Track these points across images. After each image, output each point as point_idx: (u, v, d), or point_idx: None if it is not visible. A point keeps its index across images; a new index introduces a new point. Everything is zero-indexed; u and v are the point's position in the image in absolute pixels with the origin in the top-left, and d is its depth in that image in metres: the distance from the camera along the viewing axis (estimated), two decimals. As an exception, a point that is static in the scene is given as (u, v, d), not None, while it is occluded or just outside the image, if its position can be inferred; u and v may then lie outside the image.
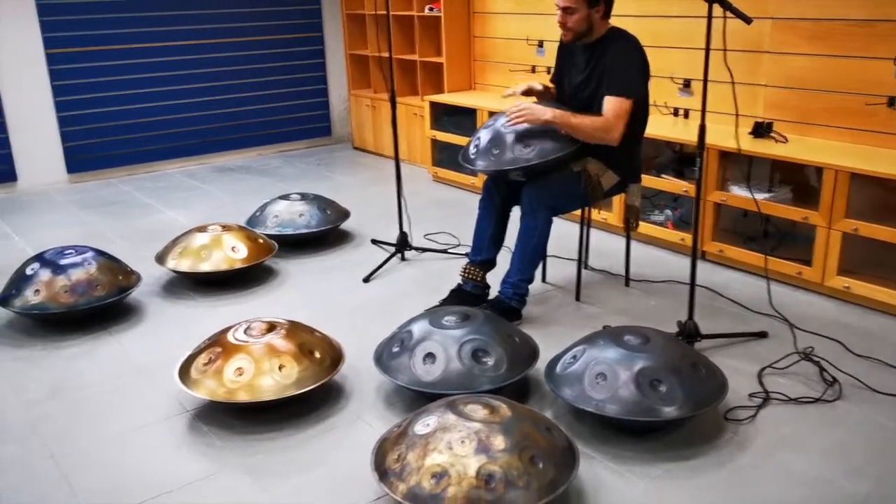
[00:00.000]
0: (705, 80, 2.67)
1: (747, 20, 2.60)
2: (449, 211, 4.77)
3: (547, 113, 2.97)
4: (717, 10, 2.59)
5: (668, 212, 3.99)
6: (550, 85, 3.34)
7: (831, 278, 3.26)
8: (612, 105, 2.95)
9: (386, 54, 3.95)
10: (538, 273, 3.34)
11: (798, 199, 3.50)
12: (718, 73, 2.89)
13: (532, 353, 2.66)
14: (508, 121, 3.01)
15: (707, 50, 2.65)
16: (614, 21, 3.10)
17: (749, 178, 3.65)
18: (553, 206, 3.09)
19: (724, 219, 3.76)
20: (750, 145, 3.56)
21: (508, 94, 3.20)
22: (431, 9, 5.53)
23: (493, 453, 1.95)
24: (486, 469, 1.92)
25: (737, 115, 3.01)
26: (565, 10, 3.00)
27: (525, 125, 3.00)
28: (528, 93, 3.26)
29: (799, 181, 3.55)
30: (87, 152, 5.72)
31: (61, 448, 2.41)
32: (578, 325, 3.10)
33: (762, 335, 2.97)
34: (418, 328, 2.62)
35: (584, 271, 3.53)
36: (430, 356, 2.51)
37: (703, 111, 2.72)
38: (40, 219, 4.87)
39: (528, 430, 2.04)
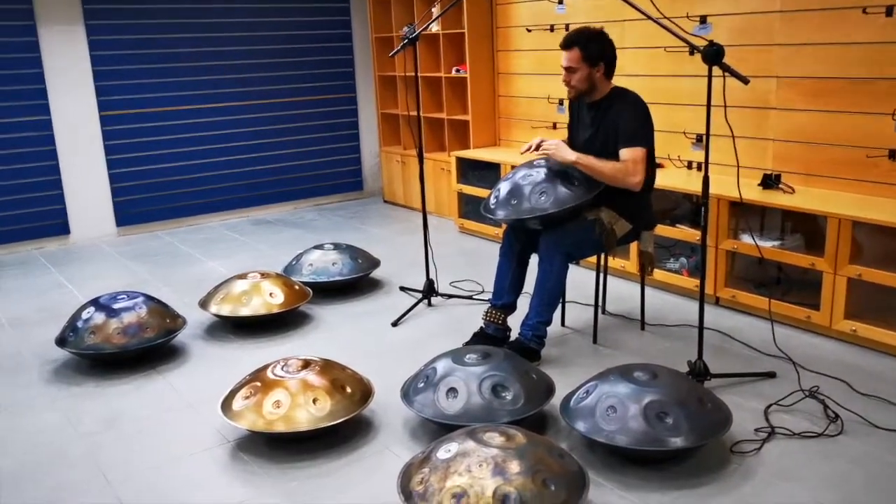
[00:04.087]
0: (707, 135, 2.90)
1: (745, 81, 2.81)
2: (474, 260, 4.99)
3: (572, 155, 3.19)
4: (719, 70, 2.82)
5: (684, 259, 4.17)
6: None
7: (838, 322, 3.40)
8: (629, 153, 3.16)
9: (415, 113, 4.24)
10: (557, 317, 3.53)
11: (809, 246, 3.66)
12: (728, 129, 3.11)
13: (548, 389, 2.84)
14: (533, 149, 3.22)
15: (708, 107, 2.88)
16: (631, 80, 3.34)
17: (762, 228, 3.82)
18: (569, 252, 3.29)
19: (738, 266, 3.93)
20: (759, 196, 3.75)
21: (525, 151, 3.43)
22: (458, 70, 5.86)
23: (509, 476, 2.12)
24: (502, 490, 2.09)
25: (738, 166, 3.21)
26: (568, 70, 3.27)
27: (545, 170, 3.23)
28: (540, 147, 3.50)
29: (809, 230, 3.71)
30: (135, 207, 6.10)
31: (115, 473, 2.63)
32: (595, 365, 3.26)
33: (770, 375, 3.11)
34: (442, 365, 2.81)
35: (601, 316, 3.71)
36: (452, 391, 2.70)
37: (706, 164, 2.94)
38: (91, 269, 5.20)
39: (541, 455, 2.21)
